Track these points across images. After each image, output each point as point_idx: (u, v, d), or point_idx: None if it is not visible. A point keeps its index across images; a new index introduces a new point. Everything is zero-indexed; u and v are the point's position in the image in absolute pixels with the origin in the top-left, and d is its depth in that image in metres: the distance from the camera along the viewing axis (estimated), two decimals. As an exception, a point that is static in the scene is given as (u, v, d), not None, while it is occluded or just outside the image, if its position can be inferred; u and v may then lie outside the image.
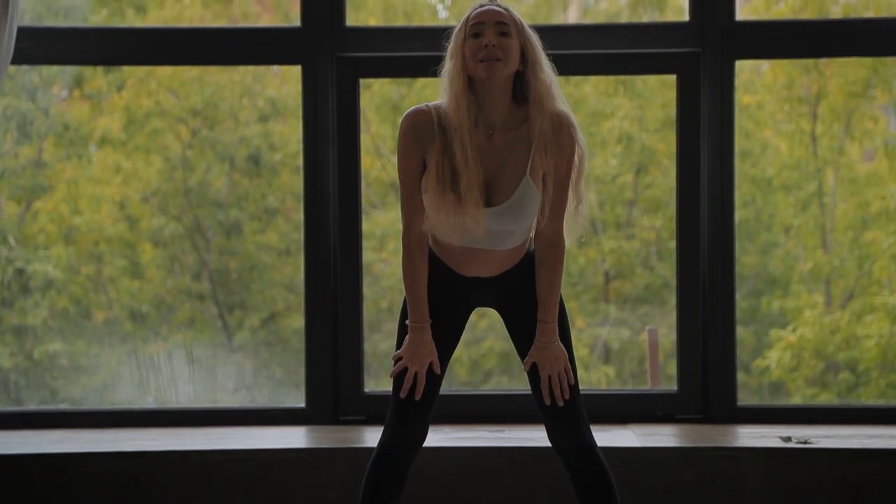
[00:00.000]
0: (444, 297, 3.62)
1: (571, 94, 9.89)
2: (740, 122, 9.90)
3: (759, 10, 9.91)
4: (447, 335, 3.64)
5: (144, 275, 9.55)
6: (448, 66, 3.56)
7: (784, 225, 9.81)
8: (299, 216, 3.71)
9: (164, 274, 9.64)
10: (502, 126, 3.55)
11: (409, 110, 3.58)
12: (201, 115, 9.77)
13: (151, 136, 9.71)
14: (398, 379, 3.63)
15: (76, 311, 9.35)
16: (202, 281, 9.69)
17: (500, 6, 3.59)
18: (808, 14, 9.63)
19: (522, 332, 3.64)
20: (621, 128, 9.70)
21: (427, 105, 3.58)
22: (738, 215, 9.81)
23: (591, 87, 9.96)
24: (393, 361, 3.63)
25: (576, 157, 3.57)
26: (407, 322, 3.61)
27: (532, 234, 3.66)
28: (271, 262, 9.58)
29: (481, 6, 3.59)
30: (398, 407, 3.61)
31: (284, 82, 10.06)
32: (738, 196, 9.86)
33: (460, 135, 3.49)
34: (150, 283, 9.54)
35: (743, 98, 9.88)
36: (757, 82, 10.05)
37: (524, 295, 3.62)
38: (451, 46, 3.57)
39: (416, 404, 3.60)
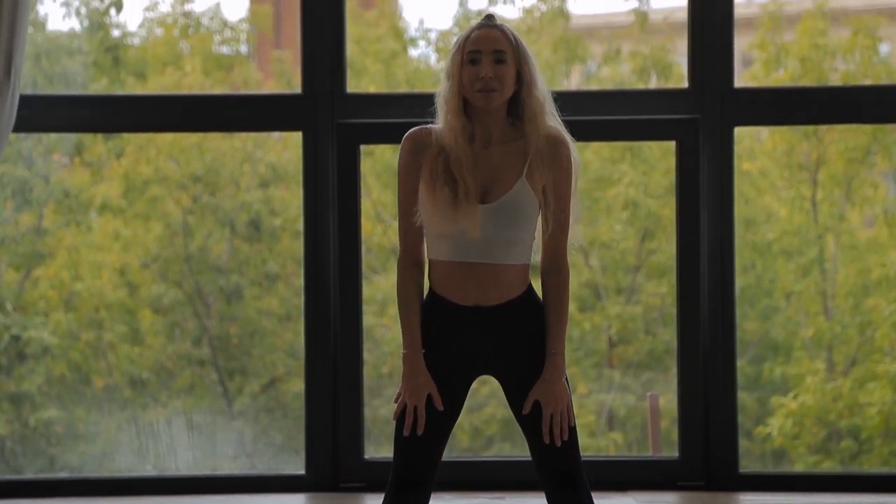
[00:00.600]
0: (446, 361, 3.58)
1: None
2: (741, 188, 9.93)
3: (758, 77, 9.96)
4: (449, 403, 3.59)
5: (144, 341, 9.54)
6: (444, 86, 3.57)
7: (785, 291, 9.81)
8: (300, 281, 3.72)
9: (165, 340, 9.63)
10: (499, 139, 3.57)
11: (409, 130, 3.60)
12: (202, 181, 9.80)
13: (151, 203, 9.73)
14: (398, 443, 3.59)
15: (76, 378, 9.33)
16: (202, 347, 9.68)
17: (496, 26, 3.58)
18: (808, 81, 9.68)
19: (525, 388, 3.58)
20: (627, 194, 9.72)
21: (427, 126, 3.59)
22: (740, 281, 9.80)
23: (594, 154, 9.99)
24: (394, 419, 3.60)
25: (572, 172, 3.58)
26: (402, 355, 3.59)
27: (535, 260, 3.62)
28: (272, 328, 9.57)
29: (479, 27, 3.58)
30: (398, 469, 3.57)
31: (286, 148, 10.10)
32: (739, 262, 9.86)
33: (456, 150, 3.50)
34: (150, 349, 9.53)
35: (743, 164, 9.91)
36: (757, 149, 10.08)
37: (529, 350, 3.58)
38: (448, 66, 3.58)
39: (418, 467, 3.56)
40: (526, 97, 3.54)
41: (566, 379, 3.57)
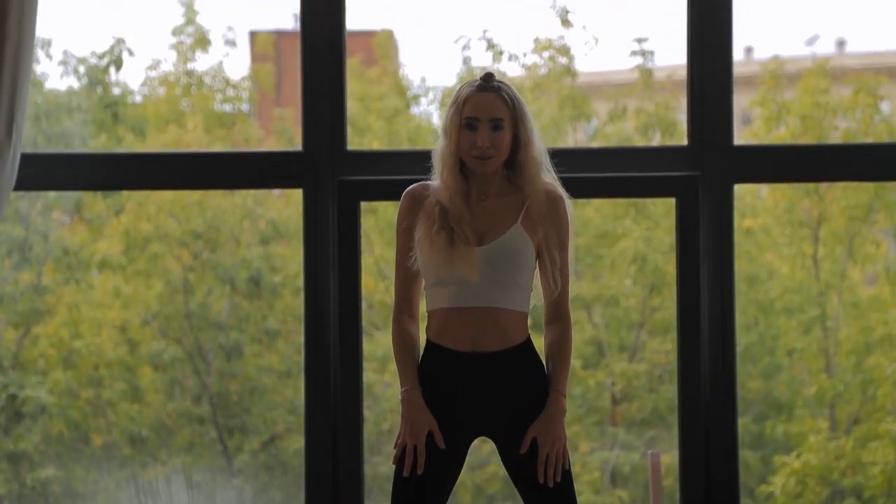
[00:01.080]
0: (446, 412, 3.56)
1: (579, 216, 9.94)
2: (744, 246, 9.93)
3: (759, 135, 9.99)
4: (450, 454, 3.56)
5: (144, 398, 9.52)
6: (441, 144, 3.61)
7: (787, 348, 9.79)
8: (300, 338, 3.73)
9: (164, 397, 9.61)
10: (495, 193, 3.60)
11: (409, 187, 3.65)
12: (202, 238, 9.81)
13: (152, 260, 9.73)
14: (397, 488, 3.56)
15: (74, 436, 9.31)
16: (202, 404, 9.66)
17: (494, 89, 3.59)
18: (809, 139, 9.70)
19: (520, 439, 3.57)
20: (634, 248, 9.73)
21: (425, 182, 3.65)
22: (743, 339, 9.79)
23: (596, 210, 10.00)
24: (393, 465, 3.57)
25: (570, 227, 3.62)
26: (400, 395, 3.57)
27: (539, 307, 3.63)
28: (272, 385, 9.55)
29: (477, 89, 3.59)
30: None
31: (286, 204, 10.12)
32: (743, 320, 9.85)
33: (452, 207, 3.54)
34: (150, 406, 9.51)
35: (744, 222, 9.92)
36: (758, 206, 10.10)
37: (528, 402, 3.57)
38: (445, 124, 3.60)
39: None
40: (524, 158, 3.58)
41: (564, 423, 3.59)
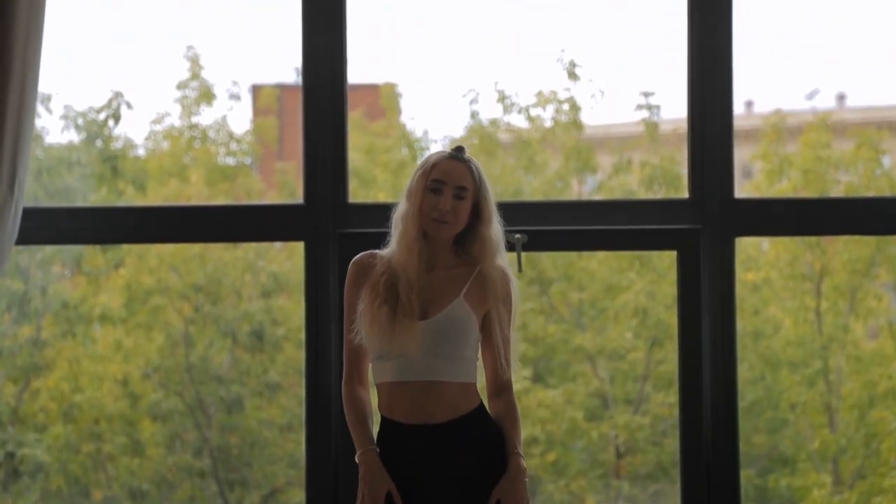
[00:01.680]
0: (402, 491, 3.55)
1: (584, 269, 9.94)
2: (749, 300, 9.93)
3: (761, 188, 10.01)
4: None
5: (145, 452, 9.49)
6: (403, 206, 3.63)
7: (790, 402, 9.76)
8: (301, 391, 3.72)
9: (165, 451, 9.58)
10: (442, 264, 3.62)
11: (355, 256, 3.68)
12: (203, 291, 9.80)
13: (153, 313, 9.73)
14: None
15: (74, 491, 9.27)
16: (203, 458, 9.62)
17: (463, 160, 3.64)
18: (810, 192, 9.71)
19: None
20: (637, 301, 9.73)
21: (372, 251, 3.68)
22: (749, 394, 9.76)
23: (600, 263, 10.00)
24: None
25: (511, 298, 3.65)
26: (356, 459, 3.57)
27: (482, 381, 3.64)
28: (273, 438, 9.52)
29: (448, 157, 3.64)
30: None
31: (288, 257, 10.12)
32: (750, 374, 9.83)
33: (409, 270, 3.55)
34: (151, 460, 9.47)
35: (746, 275, 9.91)
36: (760, 259, 10.10)
37: (485, 468, 3.57)
38: (410, 187, 3.64)
39: None
40: (485, 233, 3.62)
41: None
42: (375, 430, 3.63)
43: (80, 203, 9.53)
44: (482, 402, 3.63)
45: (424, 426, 3.53)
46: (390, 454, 3.56)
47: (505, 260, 3.68)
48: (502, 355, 3.61)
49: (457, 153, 3.64)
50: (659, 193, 9.99)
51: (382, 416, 3.59)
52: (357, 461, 3.57)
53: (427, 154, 3.78)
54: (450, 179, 3.59)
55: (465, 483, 3.55)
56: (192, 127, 10.45)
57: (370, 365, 3.64)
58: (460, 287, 3.60)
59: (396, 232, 3.63)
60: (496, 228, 3.65)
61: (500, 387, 3.64)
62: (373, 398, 3.68)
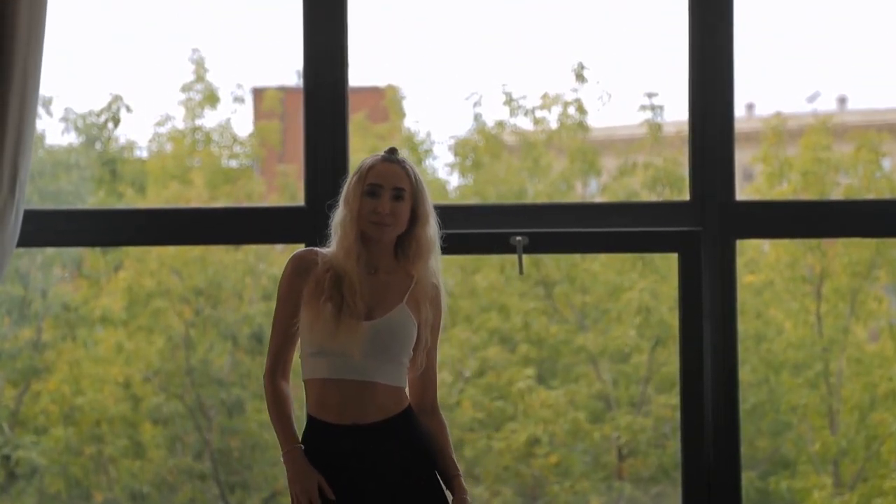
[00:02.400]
0: (333, 492, 3.55)
1: (587, 270, 9.94)
2: (751, 303, 9.93)
3: (762, 191, 10.01)
4: None
5: (146, 454, 9.49)
6: (340, 212, 3.65)
7: (791, 405, 9.77)
8: (301, 394, 3.69)
9: (166, 454, 9.58)
10: (384, 268, 3.64)
11: (295, 252, 3.69)
12: (204, 294, 9.81)
13: (154, 316, 9.73)
14: None
15: (76, 493, 9.27)
16: (203, 461, 9.62)
17: (398, 161, 3.65)
18: (810, 195, 9.72)
19: None
20: (640, 300, 9.74)
21: (313, 248, 3.68)
22: (752, 397, 9.76)
23: (602, 266, 10.01)
24: None
25: (441, 319, 3.69)
26: (282, 456, 3.57)
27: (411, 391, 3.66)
28: (273, 441, 9.51)
29: (382, 159, 3.65)
30: None
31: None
32: (753, 377, 9.83)
33: (349, 272, 3.56)
34: (152, 462, 9.47)
35: (746, 277, 9.92)
36: (761, 261, 10.10)
37: (416, 467, 3.57)
38: (346, 192, 3.65)
39: None
40: (420, 234, 3.64)
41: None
42: (300, 427, 3.60)
43: (77, 205, 9.53)
44: (410, 406, 3.62)
45: (354, 426, 3.52)
46: (318, 455, 3.55)
47: (438, 262, 3.71)
48: (421, 356, 3.62)
49: (390, 155, 3.67)
50: (662, 195, 9.99)
51: (310, 416, 3.58)
52: (283, 460, 3.57)
53: (364, 162, 3.76)
54: (386, 182, 3.60)
55: (393, 483, 3.54)
56: (196, 129, 10.45)
57: (295, 360, 3.64)
58: (403, 293, 3.61)
59: (336, 237, 3.64)
60: (432, 229, 3.67)
61: (431, 401, 3.66)
62: (297, 396, 3.67)
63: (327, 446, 3.54)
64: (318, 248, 3.68)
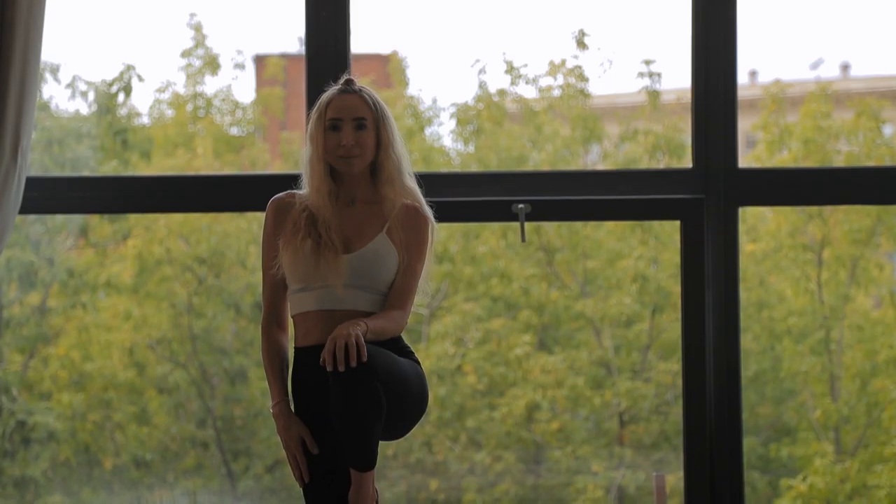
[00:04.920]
0: (324, 420, 3.58)
1: (590, 237, 9.95)
2: (755, 271, 9.94)
3: (762, 158, 10.00)
4: (339, 473, 3.58)
5: (151, 421, 9.52)
6: (307, 151, 3.68)
7: (791, 372, 9.79)
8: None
9: (170, 421, 9.61)
10: (361, 199, 3.66)
11: (273, 197, 3.70)
12: (207, 263, 9.82)
13: (159, 284, 9.75)
14: (305, 499, 3.60)
15: (83, 459, 9.30)
16: (207, 428, 9.65)
17: (356, 91, 3.66)
18: (811, 162, 9.71)
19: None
20: (636, 268, 9.75)
21: (290, 191, 3.69)
22: (756, 365, 9.78)
23: (607, 232, 10.02)
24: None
25: (427, 240, 3.66)
26: (271, 409, 3.61)
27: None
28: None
29: (339, 91, 3.66)
30: None
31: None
32: (757, 346, 9.84)
33: (322, 209, 3.58)
34: (157, 429, 9.51)
35: (748, 246, 9.93)
36: (761, 229, 10.11)
37: None
38: (310, 130, 3.67)
39: None
40: (384, 159, 3.64)
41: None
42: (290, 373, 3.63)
43: (88, 173, 9.54)
44: (401, 337, 3.64)
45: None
46: (305, 386, 3.59)
47: (414, 185, 3.69)
48: (404, 288, 3.61)
49: (347, 86, 3.67)
50: (662, 163, 9.99)
51: (296, 349, 3.62)
52: (272, 413, 3.61)
53: (320, 97, 3.75)
54: (346, 114, 3.61)
55: None
56: (197, 96, 10.44)
57: (289, 301, 3.66)
58: (382, 222, 3.62)
59: (306, 176, 3.66)
60: (398, 152, 3.66)
61: (387, 307, 3.59)
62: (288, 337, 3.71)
63: (312, 372, 3.57)
64: (295, 191, 3.70)
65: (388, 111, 3.70)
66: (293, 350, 3.67)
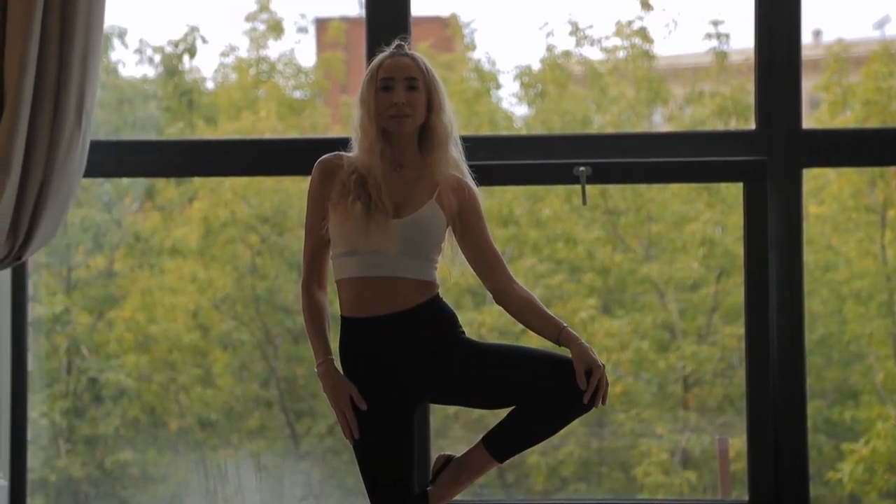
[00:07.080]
0: (376, 385, 3.61)
1: (655, 199, 9.91)
2: (822, 234, 9.87)
3: (824, 120, 9.91)
4: (392, 426, 3.61)
5: (215, 383, 9.59)
6: (358, 113, 3.72)
7: (856, 334, 9.72)
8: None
9: (234, 381, 9.68)
10: (409, 164, 3.69)
11: (320, 158, 3.74)
12: (270, 223, 9.86)
13: (223, 245, 9.80)
14: (358, 458, 3.66)
15: (149, 421, 9.39)
16: (270, 388, 9.72)
17: (407, 54, 3.70)
18: (873, 123, 9.61)
19: (474, 372, 3.60)
20: (703, 232, 9.70)
21: (338, 153, 3.73)
22: (821, 328, 9.72)
23: (672, 195, 9.97)
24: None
25: (480, 207, 3.72)
26: (315, 368, 3.64)
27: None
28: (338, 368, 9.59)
29: (391, 55, 3.71)
30: (371, 483, 3.61)
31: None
32: (824, 309, 9.78)
33: (373, 170, 3.60)
34: (221, 390, 9.58)
35: (811, 208, 9.86)
36: (824, 191, 10.03)
37: (453, 344, 3.61)
38: (361, 93, 3.71)
39: (387, 473, 3.59)
40: (436, 122, 3.69)
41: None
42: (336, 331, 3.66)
43: (154, 136, 9.61)
44: (438, 294, 3.67)
45: (388, 315, 3.58)
46: (355, 354, 3.61)
47: (460, 154, 3.73)
48: (489, 251, 3.69)
49: (398, 50, 3.71)
50: (729, 125, 9.93)
51: (343, 318, 3.67)
52: (316, 372, 3.64)
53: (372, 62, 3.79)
54: (398, 73, 3.65)
55: (431, 360, 3.60)
56: (261, 60, 10.47)
57: (333, 263, 3.70)
58: (431, 189, 3.64)
59: (356, 139, 3.69)
60: (449, 119, 3.69)
61: (504, 282, 3.69)
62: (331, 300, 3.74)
63: (364, 342, 3.60)
64: (343, 153, 3.71)
65: (439, 78, 3.73)
66: (340, 318, 3.69)
